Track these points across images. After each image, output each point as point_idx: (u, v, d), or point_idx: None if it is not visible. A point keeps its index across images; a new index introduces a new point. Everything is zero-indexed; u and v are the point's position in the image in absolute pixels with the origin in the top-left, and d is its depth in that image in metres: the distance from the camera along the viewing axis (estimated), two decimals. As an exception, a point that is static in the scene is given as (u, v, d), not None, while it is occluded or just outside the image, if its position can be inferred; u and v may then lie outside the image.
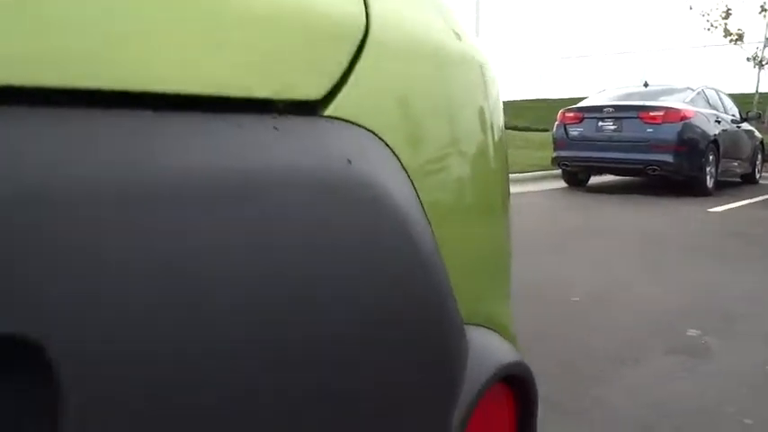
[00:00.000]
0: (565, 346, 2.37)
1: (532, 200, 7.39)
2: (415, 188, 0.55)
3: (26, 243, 0.30)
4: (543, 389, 1.83)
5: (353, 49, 0.51)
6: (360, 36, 0.51)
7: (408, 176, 0.54)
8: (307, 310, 0.42)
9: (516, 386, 0.67)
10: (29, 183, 0.31)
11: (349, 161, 0.46)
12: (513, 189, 8.40)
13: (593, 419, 1.78)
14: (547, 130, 16.90)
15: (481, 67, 0.70)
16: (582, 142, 8.41)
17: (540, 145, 15.30)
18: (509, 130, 19.22)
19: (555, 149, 8.74)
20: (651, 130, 7.90)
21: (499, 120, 0.74)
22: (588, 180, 9.27)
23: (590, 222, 5.56)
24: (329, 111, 0.48)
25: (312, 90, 0.47)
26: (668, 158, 7.72)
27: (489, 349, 0.63)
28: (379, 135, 0.52)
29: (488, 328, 0.67)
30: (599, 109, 8.47)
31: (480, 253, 0.67)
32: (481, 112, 0.68)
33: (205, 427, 0.37)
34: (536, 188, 8.81)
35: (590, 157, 8.30)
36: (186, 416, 0.36)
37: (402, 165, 0.54)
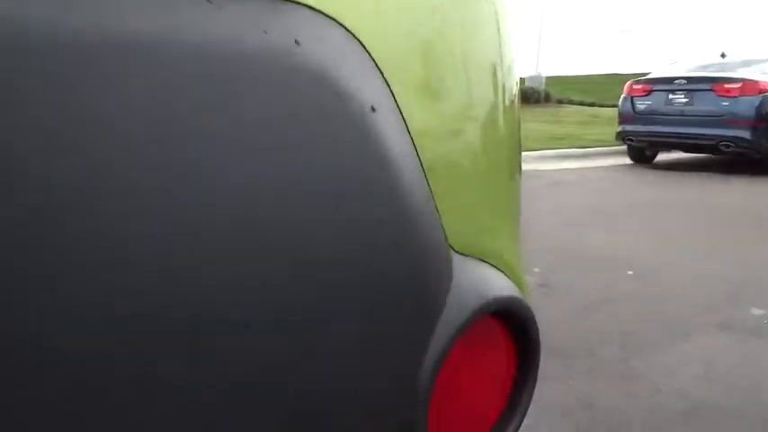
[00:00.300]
0: (615, 318, 2.26)
1: (593, 175, 7.13)
2: (393, 94, 0.49)
3: None
4: (587, 360, 1.74)
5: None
6: None
7: (384, 80, 0.49)
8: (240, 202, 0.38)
9: (514, 326, 0.61)
10: None
11: (297, 42, 0.41)
12: (576, 165, 8.15)
13: (636, 388, 1.68)
14: (615, 106, 16.28)
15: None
16: (650, 116, 8.02)
17: (606, 121, 14.74)
18: (575, 106, 18.60)
19: (620, 123, 8.37)
20: (726, 103, 7.43)
21: (505, 28, 0.66)
22: (655, 157, 8.85)
23: (652, 198, 5.30)
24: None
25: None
26: (745, 134, 7.26)
27: (480, 282, 0.57)
28: (347, 27, 0.46)
29: (486, 262, 0.61)
30: (669, 80, 8.04)
31: (479, 182, 0.61)
32: (481, 13, 0.61)
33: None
34: (599, 164, 8.49)
35: (658, 132, 7.91)
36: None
37: (376, 65, 0.48)
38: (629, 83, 8.61)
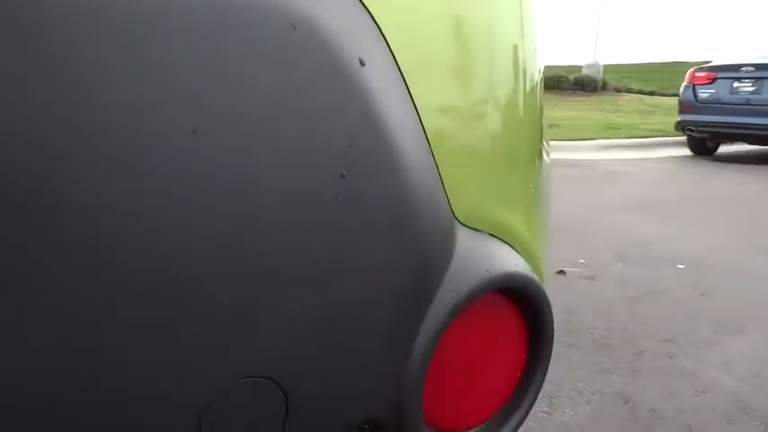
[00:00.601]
0: (662, 312, 2.16)
1: (650, 166, 6.87)
2: (392, 53, 0.46)
3: None
4: (630, 354, 1.67)
5: None
6: None
7: (384, 37, 0.45)
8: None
9: (525, 306, 0.57)
10: None
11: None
12: (632, 155, 7.88)
13: (680, 386, 1.60)
14: (676, 96, 15.64)
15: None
16: (712, 105, 7.65)
17: (666, 110, 14.24)
18: (633, 95, 17.96)
19: (680, 113, 8.02)
20: (797, 92, 7.02)
21: (528, 9, 0.61)
22: (717, 149, 8.45)
23: (711, 192, 5.07)
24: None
25: None
26: (816, 125, 6.86)
27: (486, 255, 0.53)
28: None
29: (496, 237, 0.57)
30: (735, 68, 7.64)
31: (491, 156, 0.57)
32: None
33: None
34: (657, 155, 8.18)
35: (721, 122, 7.53)
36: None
37: (375, 21, 0.45)
38: (691, 70, 8.24)
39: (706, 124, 7.70)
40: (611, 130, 9.63)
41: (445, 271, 0.49)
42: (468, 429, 0.58)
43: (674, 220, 3.76)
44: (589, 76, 16.45)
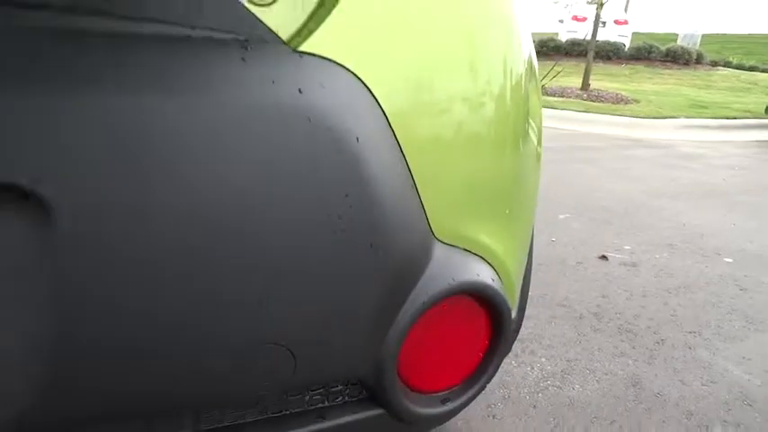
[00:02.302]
0: (697, 304, 2.25)
1: (729, 150, 6.64)
2: (388, 121, 0.64)
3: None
4: (651, 342, 1.78)
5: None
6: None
7: (381, 109, 0.64)
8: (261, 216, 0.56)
9: (486, 306, 0.75)
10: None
11: (300, 91, 0.57)
12: (714, 137, 7.61)
13: (691, 376, 1.73)
14: (780, 72, 14.66)
15: (503, 20, 0.75)
16: (809, 89, 7.25)
17: (764, 89, 13.48)
18: (731, 70, 16.95)
19: (773, 95, 7.65)
20: None
21: (511, 51, 0.77)
22: (811, 133, 8.04)
23: (790, 181, 4.91)
24: (294, 45, 0.59)
25: (281, 29, 0.59)
26: None
27: (458, 267, 0.72)
28: (353, 70, 0.62)
29: (469, 251, 0.75)
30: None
31: (473, 197, 0.75)
32: (483, 45, 0.73)
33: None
34: (740, 137, 7.86)
35: (816, 108, 7.16)
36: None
37: (375, 100, 0.63)
38: (789, 50, 7.79)
39: (799, 109, 7.33)
40: (697, 109, 9.27)
41: (419, 278, 0.68)
42: (441, 391, 0.78)
43: (737, 211, 3.73)
44: (683, 48, 15.65)
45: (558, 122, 6.99)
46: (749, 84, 14.19)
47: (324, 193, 0.59)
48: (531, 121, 0.85)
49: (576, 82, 10.05)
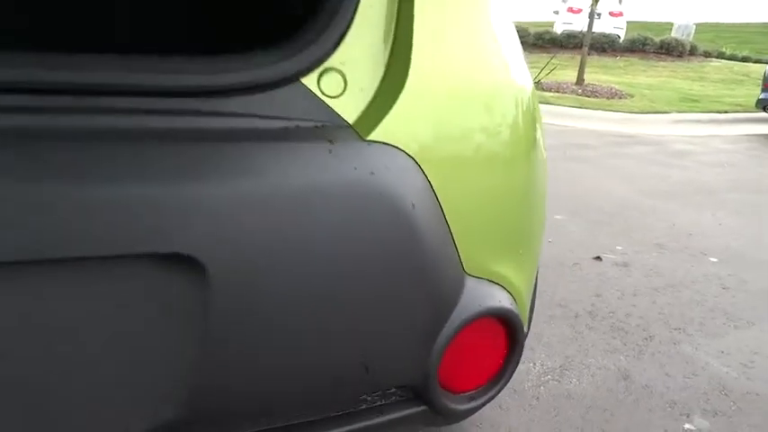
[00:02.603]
0: (683, 302, 2.47)
1: (720, 145, 6.86)
2: (434, 192, 0.84)
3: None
4: (640, 338, 1.99)
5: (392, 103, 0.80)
6: (399, 92, 0.81)
7: (429, 184, 0.84)
8: (331, 265, 0.76)
9: (508, 329, 0.96)
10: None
11: (372, 173, 0.77)
12: (706, 131, 7.83)
13: (675, 369, 1.94)
14: (773, 62, 14.86)
15: (526, 102, 0.94)
16: (797, 85, 7.48)
17: (756, 81, 13.63)
18: (724, 61, 17.15)
19: (762, 91, 7.88)
20: None
21: (529, 128, 0.98)
22: (799, 128, 8.27)
23: (766, 178, 5.14)
24: (371, 137, 0.79)
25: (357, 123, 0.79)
26: None
27: (483, 294, 0.92)
28: (410, 155, 0.82)
29: (494, 282, 0.95)
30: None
31: (495, 239, 0.95)
32: (515, 137, 0.93)
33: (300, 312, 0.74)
34: (732, 132, 8.08)
35: (805, 103, 7.38)
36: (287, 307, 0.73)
37: (425, 175, 0.83)
38: (779, 46, 7.99)
39: (788, 104, 7.56)
40: (688, 103, 9.48)
41: (455, 305, 0.88)
42: (469, 391, 0.99)
43: (724, 210, 3.95)
44: (677, 40, 15.84)
45: (554, 118, 7.18)
46: (741, 75, 14.40)
47: (391, 249, 0.79)
48: (541, 175, 1.05)
49: (572, 75, 10.23)
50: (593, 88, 9.42)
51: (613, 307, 2.40)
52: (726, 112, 9.14)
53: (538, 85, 9.24)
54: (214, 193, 0.69)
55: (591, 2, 9.54)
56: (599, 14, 14.28)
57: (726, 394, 1.84)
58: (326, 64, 0.84)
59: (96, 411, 0.70)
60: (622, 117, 7.98)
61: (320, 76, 0.84)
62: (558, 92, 8.90)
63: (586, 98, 8.76)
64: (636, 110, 8.43)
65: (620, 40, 16.10)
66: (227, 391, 0.74)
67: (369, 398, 0.90)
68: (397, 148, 0.81)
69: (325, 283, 0.75)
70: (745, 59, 18.70)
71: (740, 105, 9.57)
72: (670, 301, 2.49)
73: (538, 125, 1.06)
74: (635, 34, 16.15)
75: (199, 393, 0.73)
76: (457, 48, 0.89)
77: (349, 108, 0.85)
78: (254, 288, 0.71)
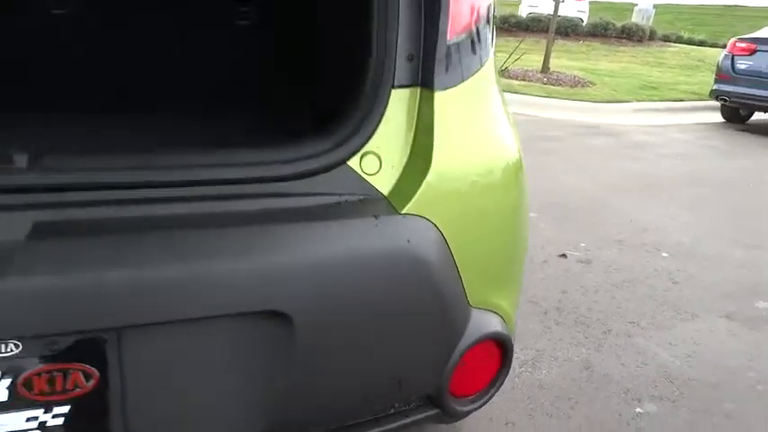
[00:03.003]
0: (638, 297, 2.80)
1: (677, 136, 7.28)
2: (449, 248, 1.09)
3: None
4: (600, 332, 2.28)
5: (421, 180, 1.05)
6: (425, 175, 1.05)
7: (446, 243, 1.09)
8: (378, 312, 1.01)
9: (501, 347, 1.23)
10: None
11: (408, 241, 1.02)
12: (663, 120, 8.26)
13: (629, 359, 2.26)
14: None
15: (516, 169, 1.20)
16: (749, 78, 7.90)
17: (711, 67, 14.14)
18: (681, 45, 17.71)
19: (716, 82, 8.29)
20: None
21: (519, 187, 1.24)
22: (750, 117, 8.74)
23: (730, 173, 5.55)
24: (405, 211, 1.04)
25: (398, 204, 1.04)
26: None
27: (484, 322, 1.19)
28: (433, 223, 1.07)
29: (491, 311, 1.22)
30: (776, 42, 7.84)
31: (488, 276, 1.21)
32: (508, 197, 1.19)
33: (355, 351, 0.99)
34: (689, 120, 8.52)
35: (756, 96, 7.81)
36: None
37: (443, 238, 1.08)
38: (733, 40, 8.43)
39: (740, 96, 7.99)
40: (648, 91, 9.90)
41: (463, 333, 1.14)
42: (471, 395, 1.26)
43: (676, 205, 4.31)
44: (637, 25, 16.29)
45: (523, 108, 7.48)
46: (697, 61, 14.94)
47: (420, 296, 1.05)
48: (526, 219, 1.32)
49: (537, 61, 10.53)
50: (557, 76, 9.75)
51: (577, 303, 2.71)
52: (682, 100, 9.59)
53: (505, 72, 9.51)
54: (297, 262, 0.93)
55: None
56: (563, -2, 14.56)
57: (671, 381, 2.17)
58: (366, 149, 1.09)
59: (216, 423, 0.94)
60: (586, 106, 8.33)
61: (361, 158, 1.09)
62: (524, 80, 9.21)
63: (552, 86, 9.09)
64: (598, 99, 8.79)
65: (583, 24, 16.48)
66: (303, 406, 0.99)
67: (397, 405, 1.16)
68: (424, 218, 1.06)
69: (374, 324, 1.01)
70: (701, 43, 19.31)
71: (695, 93, 10.03)
72: (626, 296, 2.82)
73: (523, 179, 1.32)
74: (597, 18, 16.55)
75: (283, 409, 0.97)
76: (469, 133, 1.15)
77: (384, 183, 1.10)
78: (324, 331, 0.96)
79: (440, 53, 1.10)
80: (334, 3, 1.45)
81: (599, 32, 15.73)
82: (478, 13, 1.15)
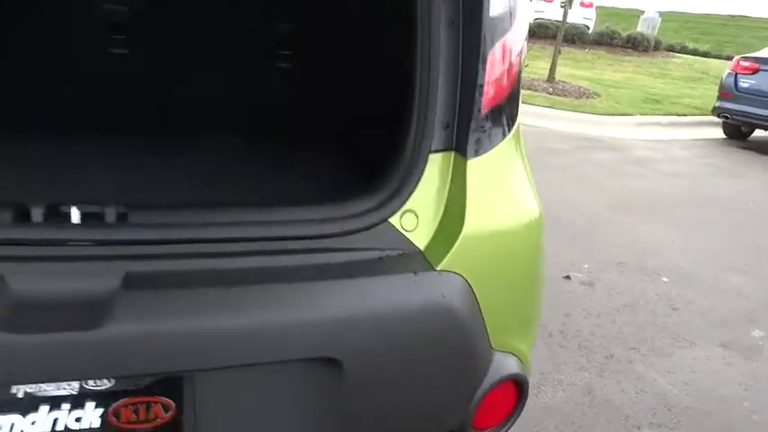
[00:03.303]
0: (639, 322, 2.91)
1: (679, 152, 7.39)
2: (476, 300, 1.20)
3: None
4: (603, 357, 2.40)
5: (454, 239, 1.16)
6: (458, 234, 1.16)
7: (474, 296, 1.20)
8: (414, 358, 1.12)
9: (518, 386, 1.34)
10: None
11: (443, 295, 1.13)
12: (665, 135, 8.37)
13: (629, 386, 2.37)
14: (731, 58, 15.48)
15: (537, 226, 1.31)
16: (752, 97, 8.01)
17: (714, 79, 14.23)
18: (686, 56, 17.81)
19: (718, 99, 8.40)
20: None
21: (539, 246, 1.35)
22: (751, 134, 8.86)
23: (732, 193, 5.66)
24: (440, 267, 1.15)
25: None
26: None
27: (504, 364, 1.30)
28: (465, 278, 1.17)
29: (510, 353, 1.33)
30: (779, 62, 7.96)
31: (509, 322, 1.32)
32: (529, 252, 1.30)
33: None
34: (690, 135, 8.63)
35: (757, 114, 7.93)
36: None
37: (472, 291, 1.19)
38: (736, 58, 8.55)
39: (742, 114, 8.11)
40: (651, 104, 10.00)
41: (486, 375, 1.25)
42: (491, 427, 1.37)
43: (677, 227, 4.42)
44: (642, 35, 16.39)
45: (529, 119, 7.57)
46: (701, 73, 15.03)
47: (452, 344, 1.16)
48: (542, 266, 1.43)
49: (543, 69, 10.62)
50: (563, 86, 9.86)
51: (580, 326, 2.82)
52: (684, 115, 9.70)
53: (511, 81, 9.59)
54: (350, 315, 1.04)
55: (562, 6, 9.91)
56: (570, 1, 14.63)
57: (669, 409, 2.28)
58: (405, 207, 1.20)
59: None
60: (590, 119, 8.44)
61: (401, 216, 1.19)
62: (530, 89, 9.31)
63: (557, 97, 9.19)
64: (602, 111, 8.90)
65: (590, 31, 16.57)
66: None
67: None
68: (457, 274, 1.17)
69: (410, 367, 1.12)
70: (706, 54, 19.42)
71: (697, 108, 10.14)
72: (628, 320, 2.93)
73: (542, 233, 1.43)
74: (603, 27, 16.65)
75: None
76: (497, 195, 1.25)
77: (420, 238, 1.20)
78: (368, 374, 1.07)
79: (473, 124, 1.21)
80: (377, 74, 1.57)
81: (605, 41, 15.83)
82: (510, 88, 1.26)
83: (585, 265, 3.50)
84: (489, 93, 1.22)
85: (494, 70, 1.22)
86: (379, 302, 1.08)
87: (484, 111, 1.22)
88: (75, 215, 0.96)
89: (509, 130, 1.29)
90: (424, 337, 1.12)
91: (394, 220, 1.19)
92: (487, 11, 1.19)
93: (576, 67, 12.91)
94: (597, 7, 19.04)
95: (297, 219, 1.12)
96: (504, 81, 1.25)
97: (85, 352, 0.90)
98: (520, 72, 1.31)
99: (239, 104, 1.79)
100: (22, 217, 0.94)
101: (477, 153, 1.23)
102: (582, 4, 17.33)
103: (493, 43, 1.20)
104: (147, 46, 1.68)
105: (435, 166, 1.23)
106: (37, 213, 0.94)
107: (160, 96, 1.68)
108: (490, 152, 1.25)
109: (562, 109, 8.54)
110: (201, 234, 1.02)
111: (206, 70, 1.75)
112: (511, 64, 1.26)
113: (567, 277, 3.31)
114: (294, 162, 1.58)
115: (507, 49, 1.24)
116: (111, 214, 0.99)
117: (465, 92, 1.21)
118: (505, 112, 1.27)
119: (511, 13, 1.24)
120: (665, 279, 3.47)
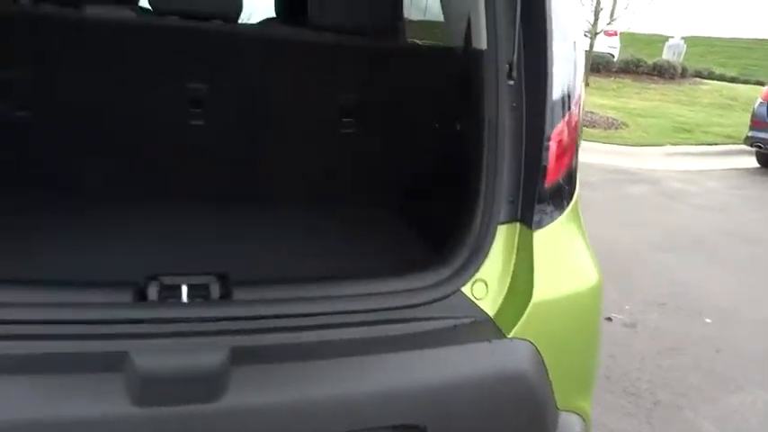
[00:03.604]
0: (684, 365, 2.92)
1: (713, 184, 7.35)
2: (545, 365, 1.27)
3: None
4: (649, 402, 2.42)
5: (523, 309, 1.23)
6: (528, 303, 1.23)
7: (542, 361, 1.26)
8: (490, 422, 1.18)
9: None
10: None
11: (516, 362, 1.20)
12: (698, 165, 8.32)
13: (670, 428, 2.39)
14: (760, 84, 15.35)
15: (597, 291, 1.37)
16: (784, 126, 7.97)
17: (744, 105, 14.15)
18: (713, 82, 17.72)
19: (750, 128, 8.35)
20: None
21: (599, 310, 1.41)
22: (787, 162, 8.77)
23: (760, 224, 5.62)
24: (511, 334, 1.22)
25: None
26: None
27: (569, 423, 1.35)
28: (534, 344, 1.24)
29: (573, 412, 1.38)
30: (810, 92, 7.91)
31: (573, 383, 1.38)
32: (591, 316, 1.37)
33: None
34: (723, 165, 8.57)
35: (792, 145, 7.88)
36: None
37: (541, 356, 1.26)
38: (767, 88, 8.52)
39: (776, 145, 8.06)
40: (681, 134, 9.98)
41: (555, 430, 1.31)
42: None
43: (717, 265, 4.40)
44: (668, 62, 16.39)
45: (557, 152, 7.62)
46: (730, 99, 14.94)
47: (523, 404, 1.22)
48: (600, 329, 1.49)
49: (570, 99, 10.67)
50: (591, 117, 9.91)
51: (625, 369, 2.84)
52: (716, 144, 9.65)
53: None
54: (432, 382, 1.12)
55: (589, 39, 9.99)
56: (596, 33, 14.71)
57: (720, 458, 2.29)
58: (476, 276, 1.27)
59: None
60: (620, 150, 8.47)
61: (473, 285, 1.27)
62: (558, 121, 9.37)
63: (586, 128, 9.25)
64: (631, 142, 8.92)
65: (615, 59, 16.63)
66: None
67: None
68: (527, 340, 1.24)
69: (489, 426, 1.19)
70: (733, 80, 19.28)
71: (728, 137, 10.07)
72: (672, 364, 2.94)
73: (601, 297, 1.49)
74: (628, 55, 16.69)
75: None
76: (561, 264, 1.33)
77: (490, 306, 1.28)
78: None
79: (537, 198, 1.29)
80: (444, 155, 1.67)
81: (630, 69, 15.87)
82: (569, 164, 1.34)
83: (627, 306, 3.52)
84: (553, 170, 1.30)
85: (555, 149, 1.30)
86: (460, 369, 1.15)
87: (548, 186, 1.30)
88: (184, 292, 1.06)
89: (571, 200, 1.36)
90: (499, 401, 1.19)
91: (466, 289, 1.27)
92: (550, 96, 1.28)
93: (603, 96, 12.96)
94: (619, 33, 19.13)
95: (386, 291, 1.20)
96: (565, 159, 1.32)
97: (200, 423, 0.99)
98: (578, 148, 1.39)
99: (308, 174, 1.89)
100: (140, 296, 1.04)
101: (541, 224, 1.30)
102: (606, 33, 17.41)
103: (553, 126, 1.29)
104: (223, 119, 1.79)
105: (501, 236, 1.30)
106: (152, 292, 1.04)
107: (231, 165, 1.79)
108: (553, 223, 1.32)
109: (592, 141, 8.58)
110: (301, 310, 1.11)
111: (275, 142, 1.86)
112: (571, 141, 1.34)
113: (609, 319, 3.33)
114: (365, 232, 1.67)
115: (571, 127, 1.32)
116: (215, 290, 1.08)
117: (529, 169, 1.29)
118: (566, 186, 1.35)
119: (570, 95, 1.33)
120: (707, 320, 3.47)
